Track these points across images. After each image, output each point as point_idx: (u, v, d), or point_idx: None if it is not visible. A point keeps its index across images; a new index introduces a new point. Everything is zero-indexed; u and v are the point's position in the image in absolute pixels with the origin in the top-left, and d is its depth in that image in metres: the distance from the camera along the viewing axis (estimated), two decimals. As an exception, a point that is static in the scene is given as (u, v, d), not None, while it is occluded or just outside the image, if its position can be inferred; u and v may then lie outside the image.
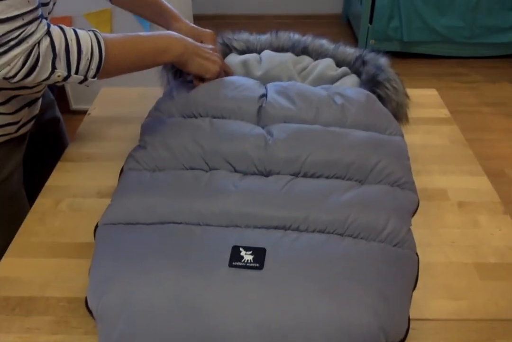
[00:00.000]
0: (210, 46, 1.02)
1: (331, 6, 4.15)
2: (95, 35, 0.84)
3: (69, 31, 0.81)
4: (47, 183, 1.05)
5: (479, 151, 2.49)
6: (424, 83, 3.16)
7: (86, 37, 0.82)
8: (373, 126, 0.94)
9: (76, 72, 0.82)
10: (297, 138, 0.88)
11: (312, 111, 0.94)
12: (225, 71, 1.06)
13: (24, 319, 0.77)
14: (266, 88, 1.01)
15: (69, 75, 0.82)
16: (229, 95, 0.96)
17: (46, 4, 0.91)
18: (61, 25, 0.82)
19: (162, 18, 1.11)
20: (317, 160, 0.86)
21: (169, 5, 1.11)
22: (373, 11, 3.24)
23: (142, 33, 0.91)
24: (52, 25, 0.81)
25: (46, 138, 1.25)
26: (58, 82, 0.84)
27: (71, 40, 0.80)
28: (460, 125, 1.27)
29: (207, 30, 1.09)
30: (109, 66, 0.86)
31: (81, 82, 0.85)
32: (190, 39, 0.97)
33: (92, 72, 0.84)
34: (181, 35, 0.95)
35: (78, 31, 0.83)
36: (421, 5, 3.17)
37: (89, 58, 0.82)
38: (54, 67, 0.80)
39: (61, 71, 0.81)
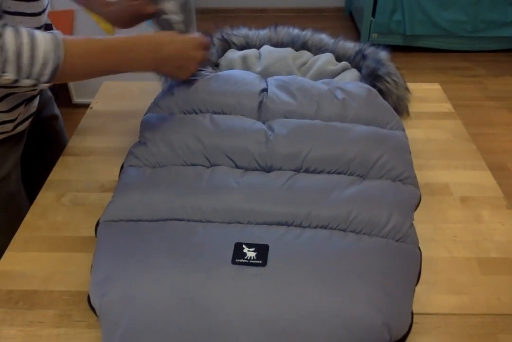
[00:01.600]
0: (196, 43, 0.93)
1: (334, 0, 4.14)
2: (56, 40, 0.78)
3: (25, 34, 0.76)
4: (49, 177, 1.05)
5: (482, 145, 2.47)
6: (427, 77, 3.15)
7: (43, 41, 0.77)
8: (374, 121, 0.94)
9: (28, 77, 0.77)
10: (298, 134, 0.88)
11: (313, 106, 0.94)
12: None
13: (27, 313, 0.78)
14: (266, 82, 1.01)
15: (18, 79, 0.78)
16: (229, 91, 0.95)
17: (38, 14, 0.91)
18: (19, 27, 0.77)
19: None
20: (319, 155, 0.86)
21: None
22: (376, 5, 3.23)
23: (112, 40, 0.85)
24: (8, 28, 0.75)
25: (45, 136, 1.24)
26: (8, 85, 0.79)
27: (25, 43, 0.75)
28: (463, 119, 1.27)
29: None
30: (66, 74, 0.81)
31: (33, 86, 0.80)
32: (166, 44, 0.89)
33: (45, 77, 0.78)
34: (157, 42, 0.88)
35: (37, 34, 0.77)
36: (424, -1, 3.15)
37: (44, 63, 0.77)
38: (2, 70, 0.75)
39: (9, 75, 0.76)
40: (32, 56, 0.76)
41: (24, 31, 0.76)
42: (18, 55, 0.75)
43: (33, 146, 1.19)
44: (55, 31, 0.80)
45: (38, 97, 1.11)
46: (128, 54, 0.85)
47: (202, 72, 1.02)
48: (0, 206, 1.03)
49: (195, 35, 0.95)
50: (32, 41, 0.76)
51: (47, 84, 0.81)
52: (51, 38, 0.78)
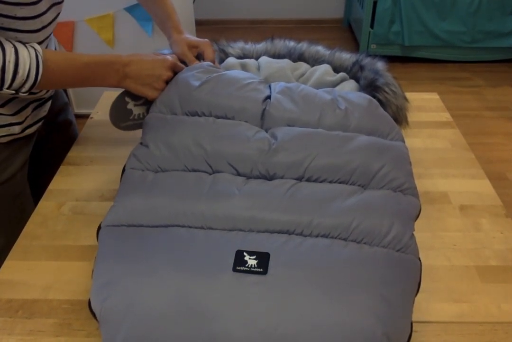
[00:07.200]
0: (165, 63, 1.00)
1: (333, 11, 4.17)
2: (36, 58, 0.86)
3: (10, 51, 0.84)
4: (50, 186, 1.06)
5: (481, 155, 2.49)
6: (425, 88, 3.17)
7: (26, 59, 0.85)
8: (375, 131, 0.94)
9: (8, 88, 0.86)
10: (301, 142, 0.88)
11: (315, 115, 0.94)
12: None
13: (27, 321, 0.78)
14: (270, 88, 1.01)
15: (0, 90, 0.86)
16: (234, 95, 0.95)
17: (36, 31, 0.93)
18: (4, 44, 0.84)
19: (165, 28, 1.14)
20: (321, 164, 0.86)
21: (176, 16, 1.14)
22: (374, 16, 3.26)
23: (86, 57, 0.93)
24: None
25: (58, 141, 1.26)
26: None
27: (9, 61, 0.83)
28: (462, 129, 1.28)
29: (203, 39, 1.11)
30: (42, 86, 0.90)
31: (12, 94, 0.89)
32: (135, 63, 0.97)
33: (24, 89, 0.87)
34: (125, 63, 0.96)
35: (20, 51, 0.85)
36: (422, 10, 3.18)
37: (24, 79, 0.86)
38: None
39: None
40: (14, 73, 0.84)
41: (9, 48, 0.84)
42: (2, 71, 0.83)
43: (47, 151, 1.21)
44: (37, 47, 0.88)
45: (49, 102, 1.12)
46: (99, 72, 0.95)
47: (210, 67, 1.03)
48: (3, 205, 1.04)
49: (168, 56, 1.02)
50: (16, 60, 0.84)
51: (25, 94, 0.89)
52: (34, 56, 0.86)
